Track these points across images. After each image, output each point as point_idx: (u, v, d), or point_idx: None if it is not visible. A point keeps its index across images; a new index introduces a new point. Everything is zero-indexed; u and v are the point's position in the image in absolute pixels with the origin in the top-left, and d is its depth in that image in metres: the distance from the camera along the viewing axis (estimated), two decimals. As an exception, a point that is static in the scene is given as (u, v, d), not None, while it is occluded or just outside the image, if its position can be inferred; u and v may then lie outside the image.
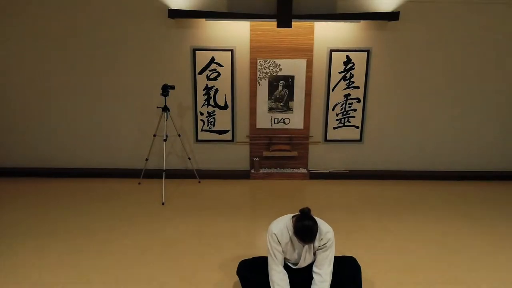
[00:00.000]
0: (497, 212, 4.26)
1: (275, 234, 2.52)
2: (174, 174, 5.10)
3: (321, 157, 5.29)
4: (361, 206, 4.38)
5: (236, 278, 2.78)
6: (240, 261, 2.75)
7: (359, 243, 3.52)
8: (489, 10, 4.76)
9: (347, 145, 5.26)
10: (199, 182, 5.08)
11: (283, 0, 4.46)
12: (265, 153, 5.17)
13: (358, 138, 5.23)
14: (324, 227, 2.55)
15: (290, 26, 4.54)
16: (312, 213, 2.45)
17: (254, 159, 5.19)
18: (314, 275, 2.56)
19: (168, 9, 4.54)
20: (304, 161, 5.27)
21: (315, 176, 5.26)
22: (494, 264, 3.22)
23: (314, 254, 2.59)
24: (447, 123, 5.21)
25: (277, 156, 5.19)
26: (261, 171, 5.22)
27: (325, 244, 2.54)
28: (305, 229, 2.38)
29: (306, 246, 2.54)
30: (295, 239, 2.48)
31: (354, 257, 2.77)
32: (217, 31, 4.80)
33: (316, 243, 2.54)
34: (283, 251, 2.55)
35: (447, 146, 5.29)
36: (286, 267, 2.62)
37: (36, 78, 4.90)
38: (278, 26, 4.55)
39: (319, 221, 2.56)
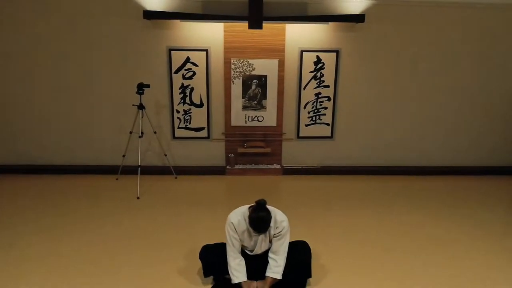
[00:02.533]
0: (459, 206, 4.51)
1: (232, 223, 2.71)
2: (151, 171, 5.26)
3: (294, 153, 5.50)
4: (331, 200, 4.59)
5: (200, 265, 2.95)
6: (203, 245, 2.93)
7: (325, 233, 3.72)
8: (450, 12, 5.01)
9: (318, 142, 5.48)
10: (176, 178, 5.25)
11: (254, 2, 4.65)
12: (240, 150, 5.36)
13: (329, 135, 5.45)
14: (279, 217, 2.75)
15: (261, 28, 4.73)
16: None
17: (229, 155, 5.38)
18: (269, 260, 2.76)
19: (143, 10, 4.71)
20: (278, 157, 5.47)
21: (288, 171, 5.46)
22: (441, 250, 3.46)
23: (270, 241, 2.79)
24: (413, 120, 5.45)
25: (251, 152, 5.38)
26: (236, 167, 5.41)
27: (280, 232, 2.74)
28: (259, 220, 2.58)
29: (262, 235, 2.73)
30: (250, 227, 2.67)
31: (306, 241, 2.97)
32: (192, 32, 4.97)
33: (272, 231, 2.74)
34: (240, 239, 2.74)
35: (413, 143, 5.54)
36: (243, 253, 2.82)
37: (15, 77, 5.01)
38: (250, 27, 4.74)
39: (275, 211, 2.76)
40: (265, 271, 2.77)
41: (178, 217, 4.06)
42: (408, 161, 5.60)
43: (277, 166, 5.45)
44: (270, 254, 2.77)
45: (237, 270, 2.72)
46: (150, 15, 4.70)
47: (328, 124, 5.41)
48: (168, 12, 4.77)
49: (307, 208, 4.33)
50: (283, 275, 2.75)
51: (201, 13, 4.84)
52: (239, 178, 5.30)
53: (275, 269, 2.73)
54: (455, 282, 2.96)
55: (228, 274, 2.76)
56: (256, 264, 2.79)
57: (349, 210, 4.29)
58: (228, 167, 5.40)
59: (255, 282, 2.78)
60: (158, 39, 4.97)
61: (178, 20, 4.85)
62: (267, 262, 2.78)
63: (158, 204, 4.38)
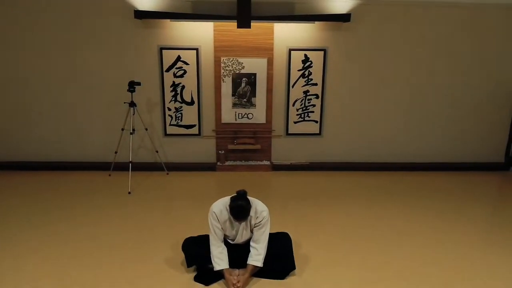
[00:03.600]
0: (440, 199, 4.65)
1: (214, 212, 2.83)
2: (143, 167, 5.38)
3: (283, 150, 5.62)
4: (319, 195, 4.69)
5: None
6: (186, 237, 3.05)
7: (312, 226, 3.82)
8: (432, 11, 5.14)
9: (307, 139, 5.60)
10: (167, 174, 5.37)
11: (243, 2, 4.77)
12: (230, 147, 5.48)
13: (318, 132, 5.58)
14: (260, 207, 2.87)
15: (249, 27, 4.85)
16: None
17: (219, 152, 5.50)
18: (251, 248, 2.88)
19: (135, 10, 4.82)
20: (267, 154, 5.59)
21: (277, 167, 5.58)
22: (416, 239, 3.59)
23: (251, 231, 2.91)
24: (398, 117, 5.58)
25: (241, 149, 5.50)
26: (227, 163, 5.53)
27: (260, 221, 2.85)
28: (238, 209, 2.70)
29: (243, 224, 2.86)
30: (231, 217, 2.79)
31: (288, 232, 3.09)
32: (183, 31, 5.09)
33: (253, 221, 2.86)
34: (222, 228, 2.86)
35: (399, 139, 5.67)
36: (225, 242, 2.94)
37: (8, 74, 5.13)
38: (238, 26, 4.86)
39: (255, 202, 2.88)
40: (246, 260, 2.89)
41: (168, 212, 4.18)
42: (393, 158, 5.73)
43: (266, 163, 5.57)
44: (251, 243, 2.89)
45: (219, 258, 2.84)
46: (141, 14, 4.82)
47: (316, 121, 5.53)
48: (158, 12, 4.89)
49: (296, 202, 4.44)
50: (265, 264, 2.87)
51: (191, 12, 4.96)
52: (229, 174, 5.42)
53: (256, 257, 2.86)
54: (433, 270, 3.09)
55: (210, 263, 2.87)
56: (238, 253, 2.91)
57: (336, 205, 4.40)
58: (218, 163, 5.52)
59: (236, 270, 2.90)
60: (149, 38, 5.09)
61: (169, 20, 4.96)
62: (249, 251, 2.90)
63: (149, 199, 4.50)
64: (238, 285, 2.76)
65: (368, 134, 5.63)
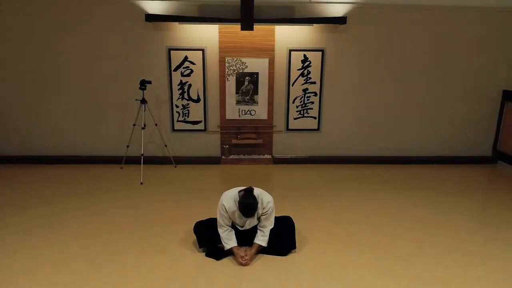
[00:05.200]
0: (431, 191, 5.01)
1: (224, 205, 3.17)
2: (152, 160, 5.73)
3: (283, 144, 5.98)
4: (317, 186, 5.03)
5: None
6: (196, 221, 3.42)
7: (311, 213, 4.17)
8: (423, 14, 5.50)
9: (306, 134, 5.96)
10: (175, 167, 5.72)
11: (246, 6, 5.12)
12: (234, 141, 5.83)
13: (316, 127, 5.93)
14: (266, 198, 3.21)
15: (252, 29, 5.21)
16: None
17: (224, 146, 5.85)
18: (258, 231, 3.26)
19: (145, 14, 5.17)
20: (269, 148, 5.95)
21: (278, 161, 5.94)
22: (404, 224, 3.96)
23: (258, 219, 3.27)
24: (392, 113, 5.94)
25: (244, 143, 5.86)
26: (231, 157, 5.89)
27: (266, 211, 3.22)
28: (246, 207, 3.03)
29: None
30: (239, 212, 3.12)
31: (290, 216, 3.46)
32: (190, 33, 5.44)
33: (260, 211, 3.21)
34: (230, 218, 3.21)
35: (392, 134, 6.02)
36: (234, 227, 3.29)
37: (29, 73, 5.48)
38: (242, 29, 5.21)
39: (262, 193, 3.22)
40: (252, 240, 3.25)
41: (177, 200, 4.53)
42: (387, 152, 6.08)
43: (268, 156, 5.93)
44: (258, 227, 3.26)
45: (228, 238, 3.20)
46: (151, 18, 5.17)
47: (315, 118, 5.89)
48: (167, 15, 5.24)
49: (295, 192, 4.79)
50: (269, 243, 3.24)
51: (197, 16, 5.31)
52: (233, 167, 5.78)
53: (262, 238, 3.22)
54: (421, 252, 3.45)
55: (219, 243, 3.23)
56: (245, 236, 3.28)
57: (333, 195, 4.76)
58: (223, 157, 5.88)
59: (243, 247, 3.26)
60: (159, 39, 5.44)
61: (177, 23, 5.31)
62: (255, 232, 3.26)
63: (160, 189, 4.85)
64: (246, 258, 3.12)
65: (364, 130, 5.98)
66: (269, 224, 3.25)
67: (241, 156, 5.90)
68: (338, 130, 5.97)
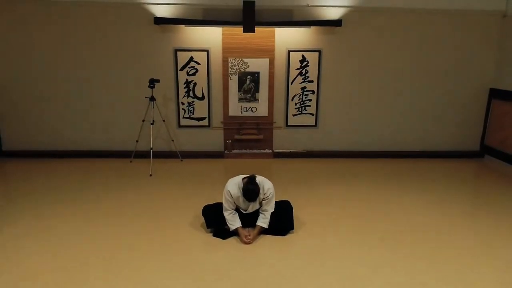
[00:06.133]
0: (422, 183, 5.37)
1: (229, 191, 3.55)
2: (160, 155, 6.09)
3: (283, 139, 6.35)
4: (315, 178, 5.39)
5: (203, 220, 3.80)
6: (204, 205, 3.79)
7: (308, 202, 4.53)
8: (412, 17, 5.88)
9: (304, 130, 6.33)
10: (181, 160, 6.09)
11: (248, 10, 5.49)
12: (236, 137, 6.20)
13: (314, 123, 6.30)
14: (266, 185, 3.59)
15: (253, 31, 5.57)
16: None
17: (227, 141, 6.22)
18: (260, 214, 3.64)
19: (154, 17, 5.55)
20: (269, 143, 6.32)
21: (278, 155, 6.31)
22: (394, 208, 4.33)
23: (260, 203, 3.64)
24: (385, 110, 6.31)
25: (246, 139, 6.23)
26: (233, 151, 6.26)
27: (267, 196, 3.59)
28: (249, 193, 3.42)
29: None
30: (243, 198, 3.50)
31: (289, 200, 3.83)
32: (195, 35, 5.81)
33: (261, 196, 3.58)
34: (235, 202, 3.59)
35: (385, 130, 6.39)
36: (238, 211, 3.66)
37: (47, 73, 5.85)
38: (244, 31, 5.58)
39: (263, 180, 3.59)
40: (255, 223, 3.63)
41: (184, 190, 4.89)
42: (380, 146, 6.45)
43: (268, 151, 6.30)
44: (260, 211, 3.63)
45: (232, 220, 3.57)
46: (160, 21, 5.54)
47: (312, 114, 6.26)
48: (174, 18, 5.62)
49: (294, 184, 5.14)
50: (271, 224, 3.61)
51: (202, 19, 5.68)
52: (235, 161, 6.14)
53: (263, 220, 3.60)
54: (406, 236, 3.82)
55: (225, 224, 3.60)
56: (248, 219, 3.66)
57: (329, 185, 5.12)
58: (226, 151, 6.25)
59: (247, 228, 3.63)
60: (166, 41, 5.81)
61: (183, 25, 5.68)
62: (257, 216, 3.64)
63: (168, 181, 5.22)
64: (249, 237, 3.50)
65: (358, 126, 6.35)
66: (270, 208, 3.62)
67: (243, 151, 6.27)
68: (334, 126, 6.33)
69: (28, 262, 3.20)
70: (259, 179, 3.54)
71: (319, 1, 5.73)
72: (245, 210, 3.67)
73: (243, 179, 3.53)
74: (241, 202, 3.60)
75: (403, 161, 6.26)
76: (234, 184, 3.56)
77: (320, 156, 6.33)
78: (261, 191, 3.51)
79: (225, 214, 3.59)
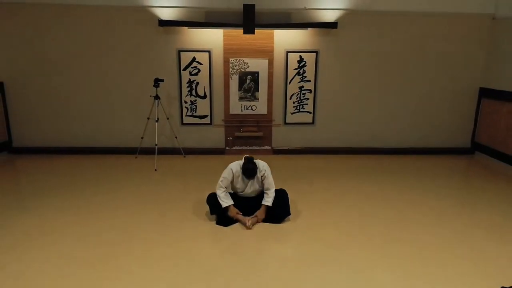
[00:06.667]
0: (415, 177, 5.64)
1: (232, 169, 3.88)
2: (164, 151, 6.35)
3: (282, 136, 6.62)
4: (312, 173, 5.66)
5: (208, 208, 4.07)
6: (208, 194, 4.07)
7: (306, 196, 4.79)
8: (405, 19, 6.16)
9: (302, 127, 6.60)
10: (184, 156, 6.36)
11: (248, 12, 5.77)
12: (237, 134, 6.47)
13: (311, 121, 6.57)
14: (261, 164, 3.93)
15: (253, 33, 5.85)
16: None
17: (228, 138, 6.49)
18: (264, 194, 3.95)
19: (159, 19, 5.82)
20: (269, 140, 6.59)
21: (277, 152, 6.58)
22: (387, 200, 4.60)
23: (259, 184, 3.94)
24: (380, 109, 6.58)
25: (246, 136, 6.50)
26: (234, 148, 6.53)
27: (264, 174, 3.89)
28: (249, 171, 3.78)
29: (252, 179, 3.88)
30: (243, 175, 3.82)
31: (285, 189, 4.11)
32: (197, 36, 6.09)
33: (259, 175, 3.90)
34: (234, 182, 3.91)
35: (379, 127, 6.66)
36: (235, 195, 3.96)
37: (57, 73, 6.12)
38: (244, 32, 5.85)
39: (258, 161, 3.93)
40: (252, 210, 3.93)
41: (188, 183, 5.16)
42: (375, 143, 6.71)
43: (268, 147, 6.57)
44: (264, 190, 3.95)
45: (225, 198, 3.88)
46: (164, 23, 5.82)
47: (310, 112, 6.53)
48: (178, 21, 5.89)
49: (293, 179, 5.38)
50: (267, 212, 3.90)
51: (204, 21, 5.95)
52: (236, 157, 6.31)
53: (267, 199, 3.90)
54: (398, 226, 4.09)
55: (227, 211, 3.87)
56: (245, 203, 3.97)
57: (325, 180, 5.38)
58: (227, 148, 6.51)
59: (247, 217, 3.90)
60: (170, 42, 6.08)
61: (186, 27, 5.96)
62: (254, 202, 3.95)
63: (172, 175, 5.49)
64: (249, 223, 3.79)
65: (353, 123, 6.63)
66: (271, 186, 3.94)
67: (244, 147, 6.53)
68: (331, 124, 6.61)
69: (36, 251, 3.40)
70: (256, 160, 3.91)
71: (316, 4, 6.00)
72: (242, 191, 3.98)
73: (243, 159, 3.92)
74: (240, 181, 3.94)
75: (397, 157, 6.53)
76: (236, 164, 3.95)
77: (317, 153, 6.60)
78: (258, 170, 3.88)
79: (218, 192, 3.90)
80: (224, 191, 3.91)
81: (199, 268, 3.18)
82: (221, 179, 3.91)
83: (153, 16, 5.91)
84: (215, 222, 3.96)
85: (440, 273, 3.14)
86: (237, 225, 3.90)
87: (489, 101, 6.39)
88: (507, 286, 2.59)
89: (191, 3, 5.89)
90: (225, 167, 4.00)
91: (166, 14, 5.91)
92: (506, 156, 5.96)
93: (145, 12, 5.91)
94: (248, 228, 3.79)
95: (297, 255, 3.40)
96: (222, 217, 3.93)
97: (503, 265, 3.27)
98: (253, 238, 3.68)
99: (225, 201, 3.87)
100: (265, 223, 3.94)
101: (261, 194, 4.02)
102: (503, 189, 5.12)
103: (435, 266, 3.23)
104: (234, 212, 3.87)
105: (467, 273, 3.15)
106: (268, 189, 3.93)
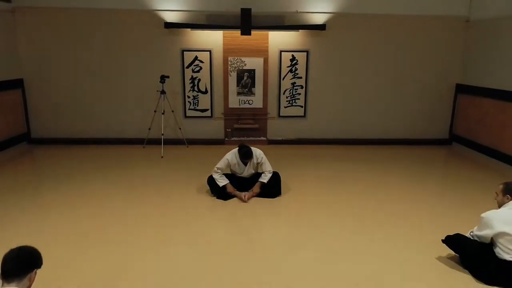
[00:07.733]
0: (398, 165, 6.27)
1: (227, 159, 4.51)
2: (169, 142, 6.94)
3: (276, 128, 7.25)
4: (304, 162, 6.25)
5: (208, 188, 4.71)
6: (208, 176, 4.71)
7: (298, 180, 5.36)
8: (388, 21, 6.79)
9: (295, 120, 7.23)
10: (187, 146, 6.98)
11: (245, 15, 6.39)
12: (235, 126, 7.10)
13: (303, 114, 7.20)
14: (257, 152, 4.53)
15: (250, 34, 6.47)
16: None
17: (227, 130, 7.12)
18: (262, 173, 4.57)
19: (164, 22, 6.46)
20: (264, 132, 7.22)
21: (272, 142, 7.20)
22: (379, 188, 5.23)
23: (254, 169, 4.56)
24: (365, 103, 7.20)
25: (244, 127, 7.12)
26: (232, 139, 7.15)
27: (260, 160, 4.51)
28: (244, 153, 4.39)
29: (248, 164, 4.50)
30: (239, 161, 4.44)
31: (278, 171, 4.74)
32: (199, 37, 6.72)
33: (255, 161, 4.51)
34: (232, 169, 4.54)
35: (365, 120, 7.28)
36: (233, 176, 4.60)
37: (73, 70, 6.75)
38: (242, 34, 6.48)
39: (255, 150, 4.52)
40: (247, 188, 4.56)
41: (191, 169, 5.76)
42: (361, 134, 7.33)
43: (263, 138, 7.20)
44: (263, 172, 4.57)
45: (221, 179, 4.50)
46: (169, 25, 6.45)
47: (301, 106, 7.16)
48: (181, 23, 6.52)
49: (287, 167, 5.87)
50: (261, 189, 4.53)
51: (205, 23, 6.58)
52: (234, 147, 6.92)
53: (264, 177, 4.55)
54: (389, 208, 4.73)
55: (225, 189, 4.50)
56: (242, 183, 4.61)
57: (315, 167, 6.00)
58: (226, 139, 7.15)
59: (243, 192, 4.53)
60: (174, 43, 6.71)
61: (189, 29, 6.59)
62: (251, 181, 4.57)
63: (176, 162, 6.11)
64: (245, 197, 4.43)
65: (341, 116, 7.25)
66: (268, 169, 4.56)
67: (241, 138, 7.15)
68: (321, 117, 7.23)
69: (54, 228, 3.81)
70: (252, 148, 4.51)
71: (307, 8, 6.63)
72: (240, 174, 4.60)
73: (238, 147, 4.51)
74: (237, 167, 4.56)
75: (382, 147, 7.15)
76: (232, 153, 4.56)
77: (309, 143, 7.23)
78: (254, 156, 4.47)
79: (215, 176, 4.51)
80: (219, 174, 4.52)
81: (201, 237, 3.82)
82: (217, 166, 4.51)
83: (160, 19, 6.54)
84: (215, 197, 4.59)
85: (413, 233, 3.80)
86: (235, 199, 4.54)
87: (465, 96, 7.03)
88: (451, 234, 3.22)
89: (193, 7, 6.52)
90: (224, 155, 4.58)
91: (171, 17, 6.54)
92: (479, 146, 6.58)
93: (152, 15, 6.53)
94: (245, 201, 4.42)
95: (284, 221, 4.04)
96: (222, 193, 4.56)
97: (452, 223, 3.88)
98: (249, 209, 4.32)
99: (221, 181, 4.49)
100: (259, 198, 4.57)
101: (255, 176, 4.64)
102: (475, 174, 5.72)
103: (409, 227, 3.88)
104: (231, 189, 4.50)
105: (427, 228, 3.80)
106: (265, 170, 4.55)
